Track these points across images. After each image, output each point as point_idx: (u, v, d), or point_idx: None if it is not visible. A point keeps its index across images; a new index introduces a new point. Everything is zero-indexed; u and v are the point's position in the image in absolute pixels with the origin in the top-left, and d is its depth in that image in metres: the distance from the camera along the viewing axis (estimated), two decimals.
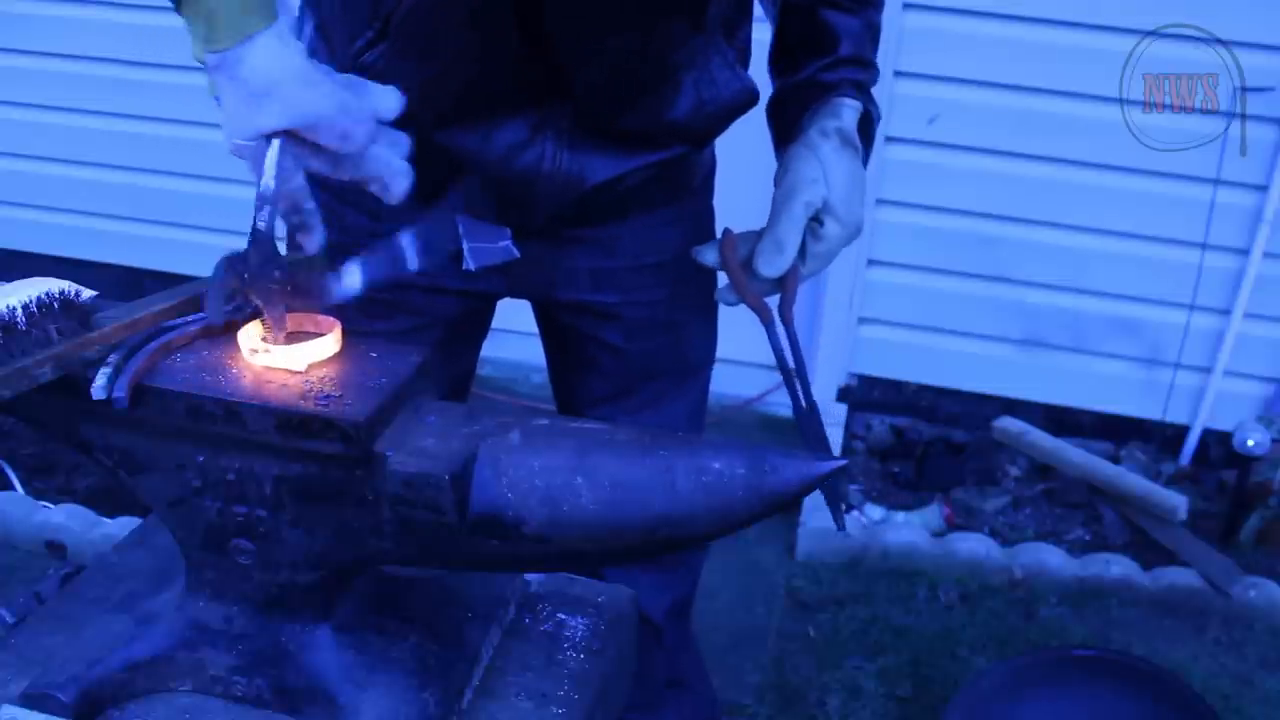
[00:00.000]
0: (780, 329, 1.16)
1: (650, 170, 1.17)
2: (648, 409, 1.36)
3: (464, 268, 1.21)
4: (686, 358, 1.37)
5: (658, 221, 1.26)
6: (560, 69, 1.06)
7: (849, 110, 1.14)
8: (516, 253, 1.21)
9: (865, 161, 1.16)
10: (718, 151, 1.33)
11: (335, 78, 0.84)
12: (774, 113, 1.20)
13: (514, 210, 1.16)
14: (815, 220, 1.11)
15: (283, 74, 0.81)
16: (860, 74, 1.16)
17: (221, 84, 0.82)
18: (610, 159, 1.14)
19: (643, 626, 1.48)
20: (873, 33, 1.19)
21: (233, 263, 0.82)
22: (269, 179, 0.83)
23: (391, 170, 0.90)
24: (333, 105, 0.83)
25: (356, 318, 1.26)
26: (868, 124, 1.16)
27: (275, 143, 0.82)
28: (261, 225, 0.83)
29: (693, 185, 1.28)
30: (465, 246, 1.20)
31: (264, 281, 0.82)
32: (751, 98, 1.18)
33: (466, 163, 1.11)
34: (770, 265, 1.11)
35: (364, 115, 0.85)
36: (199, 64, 0.83)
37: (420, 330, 1.27)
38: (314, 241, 0.89)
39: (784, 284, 1.14)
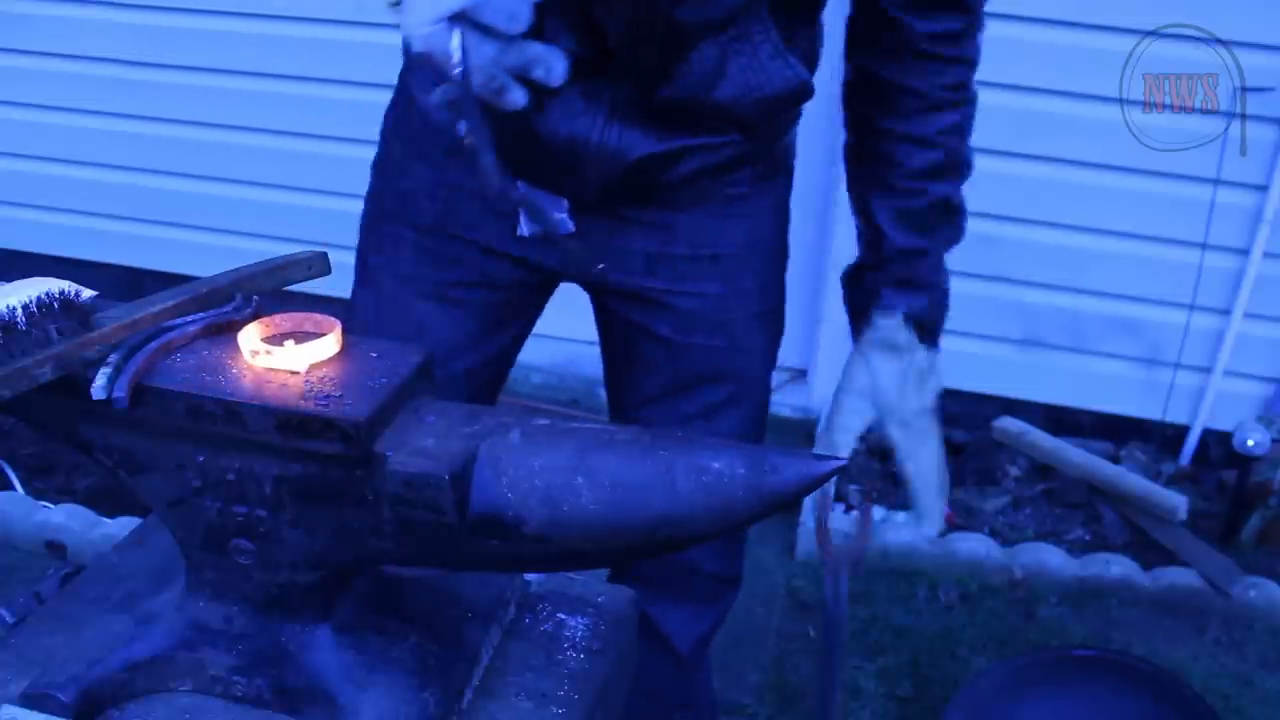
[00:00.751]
0: (838, 581, 1.30)
1: (698, 154, 1.17)
2: (702, 418, 1.34)
3: (519, 233, 1.24)
4: (742, 364, 1.35)
5: (717, 213, 1.26)
6: (600, 35, 1.08)
7: (885, 322, 1.23)
8: (571, 226, 1.23)
9: (935, 340, 1.26)
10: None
11: None
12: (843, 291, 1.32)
13: (569, 179, 1.18)
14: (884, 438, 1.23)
15: None
16: (906, 269, 1.23)
17: None
18: (653, 135, 1.14)
19: (665, 654, 1.48)
20: (952, 160, 1.24)
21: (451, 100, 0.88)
22: (458, 60, 0.87)
23: (552, 52, 0.93)
24: None
25: (416, 263, 1.30)
26: (921, 317, 1.23)
27: (457, 31, 0.87)
28: (473, 88, 0.88)
29: (758, 180, 1.27)
30: (522, 212, 1.22)
31: (479, 131, 0.88)
32: (804, 89, 1.17)
33: (522, 127, 1.12)
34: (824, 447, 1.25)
35: None
36: None
37: (471, 286, 1.29)
38: (518, 97, 0.92)
39: (858, 537, 1.36)
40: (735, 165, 1.22)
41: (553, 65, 0.94)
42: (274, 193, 2.92)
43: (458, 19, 0.87)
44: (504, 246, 1.26)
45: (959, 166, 1.24)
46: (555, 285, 1.36)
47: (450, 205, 1.26)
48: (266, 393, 0.77)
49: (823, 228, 2.79)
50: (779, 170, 1.32)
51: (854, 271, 1.29)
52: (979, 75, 2.65)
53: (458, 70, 0.87)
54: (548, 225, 1.23)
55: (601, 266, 1.28)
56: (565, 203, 1.22)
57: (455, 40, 0.87)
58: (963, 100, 1.27)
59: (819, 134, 2.71)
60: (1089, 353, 2.75)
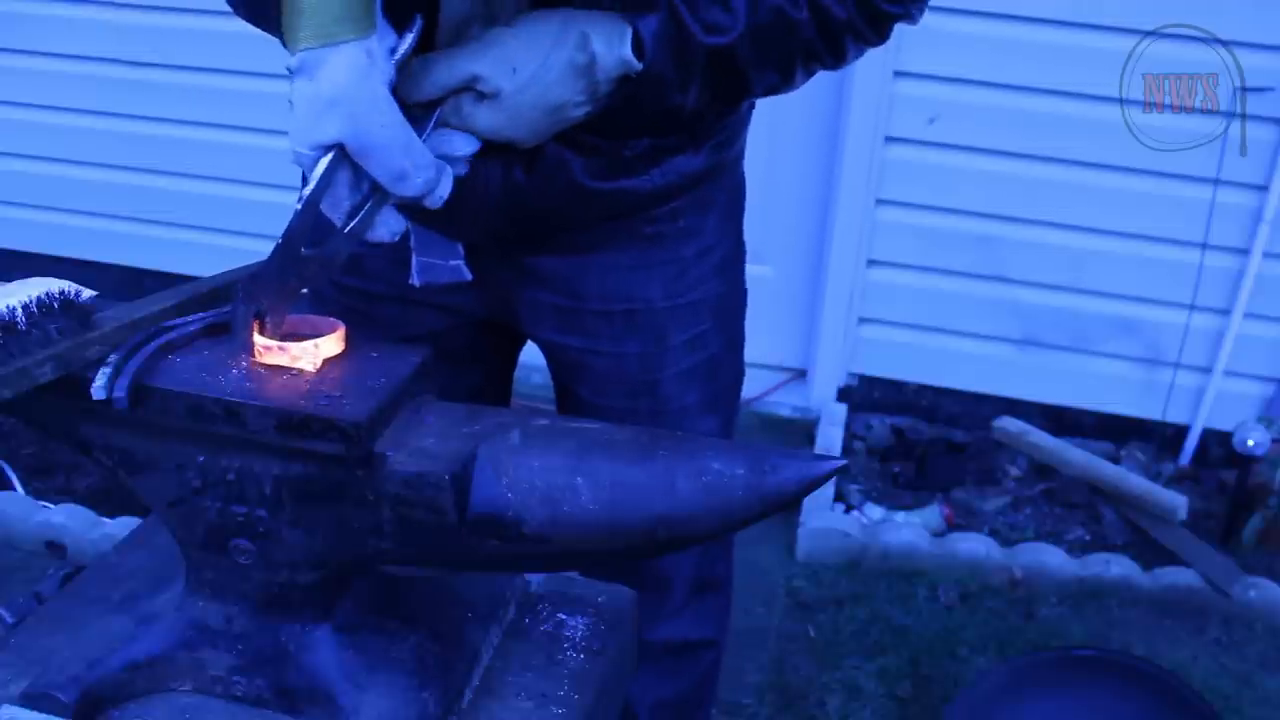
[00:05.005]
0: None
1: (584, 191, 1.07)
2: None
3: (409, 282, 1.15)
4: (670, 427, 1.14)
5: (625, 264, 1.15)
6: None
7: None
8: (468, 275, 1.14)
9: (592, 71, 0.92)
10: None
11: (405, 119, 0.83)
12: None
13: (451, 219, 1.07)
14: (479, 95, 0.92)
15: (356, 90, 0.80)
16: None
17: (298, 86, 0.81)
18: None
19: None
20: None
21: (251, 288, 0.81)
22: (313, 187, 0.82)
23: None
24: (393, 139, 0.81)
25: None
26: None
27: (329, 155, 0.82)
28: (294, 232, 0.82)
29: (663, 230, 1.15)
30: (414, 260, 1.14)
31: (278, 288, 0.82)
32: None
33: None
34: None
35: (425, 162, 0.84)
36: (287, 71, 0.81)
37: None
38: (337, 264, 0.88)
39: None
40: (647, 200, 1.11)
41: (394, 228, 0.88)
42: (274, 193, 2.92)
43: (336, 147, 0.81)
44: (424, 296, 1.18)
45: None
46: (500, 332, 1.27)
47: (353, 257, 1.15)
48: (266, 393, 0.77)
49: (822, 228, 2.80)
50: (714, 202, 1.19)
51: None
52: (979, 76, 2.64)
53: (306, 191, 0.82)
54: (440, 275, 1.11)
55: (515, 318, 1.19)
56: (460, 249, 1.13)
57: (320, 168, 0.81)
58: None
59: (819, 135, 2.71)
60: (1089, 353, 2.75)
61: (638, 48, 0.93)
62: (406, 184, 0.83)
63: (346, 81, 0.79)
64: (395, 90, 0.85)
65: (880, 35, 1.03)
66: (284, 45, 0.81)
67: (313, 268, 0.85)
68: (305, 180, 0.84)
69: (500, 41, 0.90)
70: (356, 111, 0.80)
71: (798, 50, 0.99)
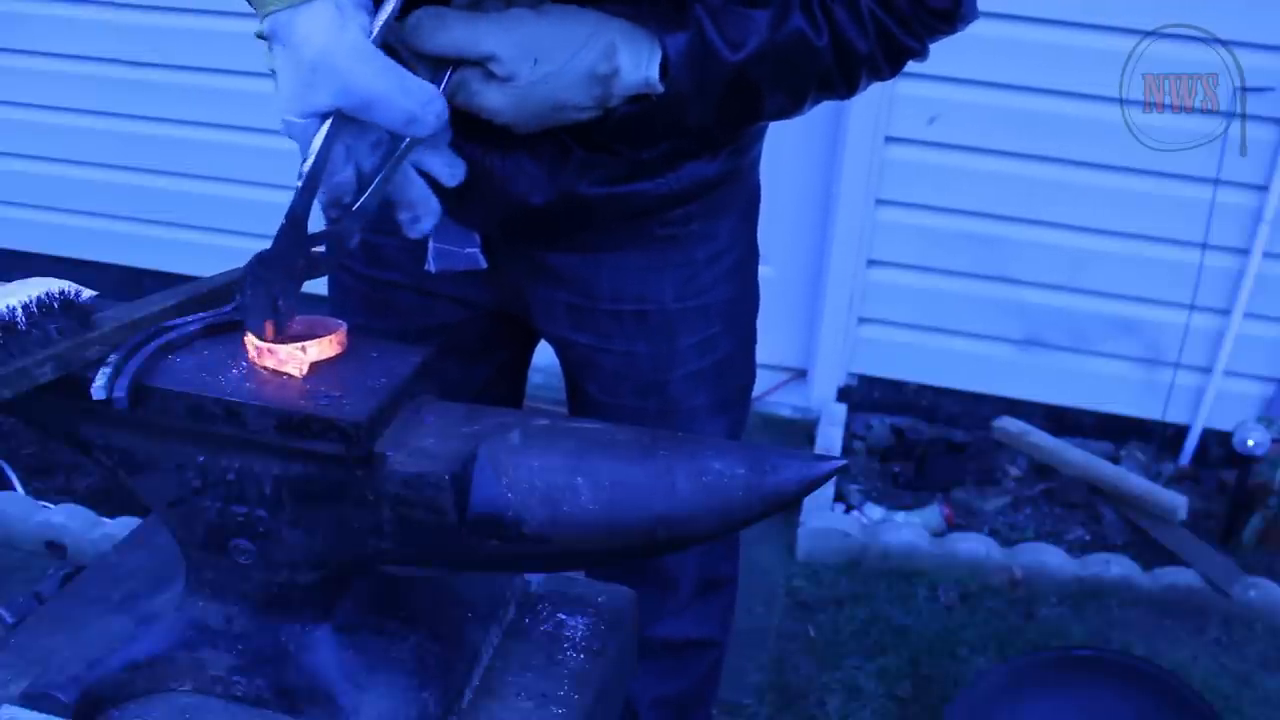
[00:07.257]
0: None
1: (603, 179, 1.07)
2: None
3: (425, 268, 1.15)
4: (679, 427, 1.21)
5: (638, 264, 1.17)
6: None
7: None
8: (483, 263, 1.14)
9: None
10: None
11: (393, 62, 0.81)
12: None
13: (463, 207, 1.07)
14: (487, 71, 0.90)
15: (335, 46, 0.77)
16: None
17: (275, 53, 0.79)
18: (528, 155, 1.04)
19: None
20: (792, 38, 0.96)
21: (260, 271, 0.79)
22: (313, 160, 0.80)
23: (428, 206, 0.89)
24: (390, 85, 0.79)
25: (365, 314, 1.24)
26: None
27: (325, 125, 0.80)
28: (298, 210, 0.81)
29: (676, 233, 1.17)
30: (431, 246, 1.14)
31: (286, 269, 0.81)
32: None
33: None
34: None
35: (429, 97, 0.81)
36: (261, 38, 0.80)
37: (410, 335, 1.22)
38: (349, 243, 0.87)
39: None
40: (662, 203, 1.12)
41: (421, 218, 0.88)
42: (274, 193, 2.92)
43: (334, 113, 0.79)
44: (440, 288, 1.19)
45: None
46: (514, 325, 1.27)
47: (371, 246, 1.18)
48: (266, 393, 0.77)
49: (822, 229, 2.80)
50: (729, 206, 1.20)
51: None
52: (979, 76, 2.64)
53: (305, 166, 0.80)
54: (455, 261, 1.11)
55: (528, 314, 1.19)
56: (477, 238, 1.13)
57: (315, 145, 0.79)
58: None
59: (819, 134, 2.71)
60: (1089, 353, 2.75)
61: (663, 68, 0.92)
62: (419, 124, 0.81)
63: (324, 40, 0.77)
64: (391, 41, 0.83)
65: (895, 70, 1.03)
66: (254, 10, 0.80)
67: (324, 248, 0.84)
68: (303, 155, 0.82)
69: (526, 26, 0.89)
70: (342, 68, 0.78)
71: (813, 76, 0.99)
